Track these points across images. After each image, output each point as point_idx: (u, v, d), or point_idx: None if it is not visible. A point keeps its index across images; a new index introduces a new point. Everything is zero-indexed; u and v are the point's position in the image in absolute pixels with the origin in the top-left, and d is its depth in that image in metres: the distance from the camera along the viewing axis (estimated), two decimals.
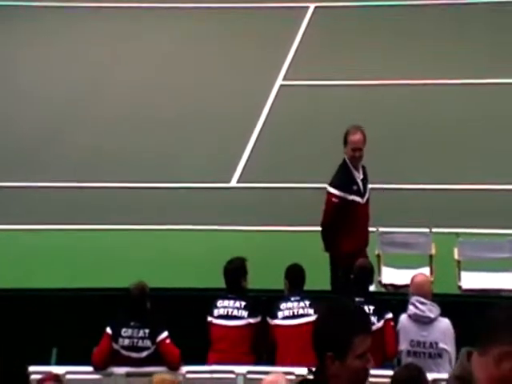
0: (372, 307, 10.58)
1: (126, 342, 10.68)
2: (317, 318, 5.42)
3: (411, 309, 10.24)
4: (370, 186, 12.23)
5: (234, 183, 15.74)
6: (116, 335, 10.70)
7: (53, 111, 18.04)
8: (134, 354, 10.69)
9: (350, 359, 4.80)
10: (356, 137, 11.80)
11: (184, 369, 10.21)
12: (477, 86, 18.16)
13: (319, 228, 12.07)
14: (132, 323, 10.71)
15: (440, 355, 10.10)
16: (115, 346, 10.70)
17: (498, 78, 18.22)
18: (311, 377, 5.07)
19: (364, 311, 6.16)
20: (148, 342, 10.68)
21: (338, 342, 4.88)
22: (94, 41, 20.58)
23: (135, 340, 10.74)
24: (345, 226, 11.89)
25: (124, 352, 10.71)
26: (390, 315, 10.77)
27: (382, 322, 10.73)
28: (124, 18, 21.51)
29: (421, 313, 10.18)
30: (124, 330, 10.68)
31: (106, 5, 21.85)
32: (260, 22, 20.46)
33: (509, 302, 6.47)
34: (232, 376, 10.28)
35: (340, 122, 13.61)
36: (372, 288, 11.53)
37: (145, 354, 10.69)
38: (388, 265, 12.43)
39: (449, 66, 18.69)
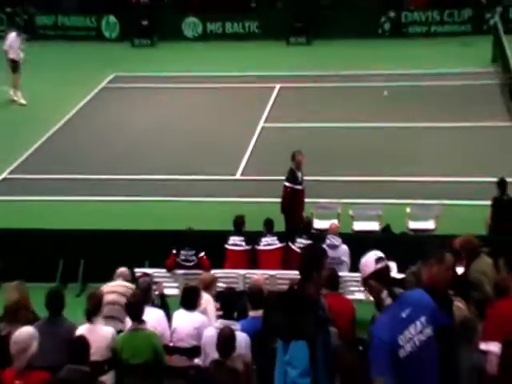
0: (311, 241, 10.72)
1: (183, 257, 10.83)
2: (305, 255, 5.73)
3: (327, 241, 10.67)
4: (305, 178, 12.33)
5: (238, 176, 15.48)
6: (178, 254, 10.82)
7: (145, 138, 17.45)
8: (186, 264, 10.82)
9: (324, 271, 5.41)
10: (300, 157, 12.10)
11: (212, 271, 10.23)
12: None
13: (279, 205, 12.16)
14: (186, 248, 10.83)
15: (342, 264, 10.52)
16: (177, 260, 10.83)
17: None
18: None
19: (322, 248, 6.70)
20: (194, 258, 10.86)
21: (320, 264, 5.36)
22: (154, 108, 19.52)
23: (187, 257, 10.86)
24: (294, 203, 12.12)
25: (182, 263, 10.84)
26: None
27: None
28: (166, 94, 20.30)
29: (332, 243, 10.66)
30: (182, 251, 10.82)
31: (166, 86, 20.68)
32: (246, 94, 19.53)
33: (436, 241, 7.12)
34: (236, 275, 10.51)
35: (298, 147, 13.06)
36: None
37: (192, 264, 10.81)
38: (318, 218, 12.60)
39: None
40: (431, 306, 5.35)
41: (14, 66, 19.18)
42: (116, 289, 8.91)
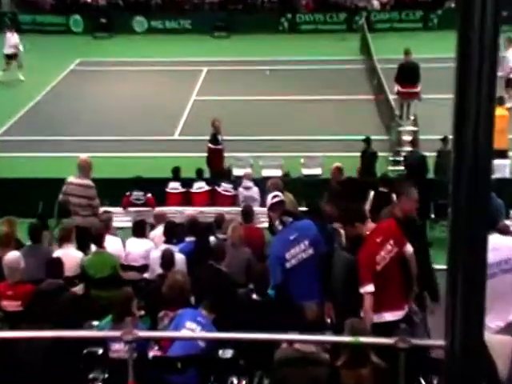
0: (232, 185, 10.48)
1: (135, 197, 9.95)
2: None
3: (243, 184, 10.22)
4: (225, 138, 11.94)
5: (176, 136, 15.14)
6: (131, 195, 9.94)
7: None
8: (137, 202, 9.95)
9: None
10: (217, 123, 11.69)
11: (156, 208, 9.38)
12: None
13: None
14: (136, 190, 9.97)
15: (255, 201, 9.85)
16: (130, 199, 9.93)
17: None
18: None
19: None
20: (143, 197, 9.91)
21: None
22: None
23: (138, 197, 9.96)
24: (216, 158, 11.65)
25: (134, 201, 9.91)
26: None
27: None
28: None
29: (246, 185, 10.19)
30: (134, 193, 9.94)
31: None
32: (181, 75, 18.80)
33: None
34: (174, 212, 9.42)
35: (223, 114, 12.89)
36: None
37: (141, 202, 9.93)
38: (236, 167, 12.11)
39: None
40: (314, 233, 5.26)
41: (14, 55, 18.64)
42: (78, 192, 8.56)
